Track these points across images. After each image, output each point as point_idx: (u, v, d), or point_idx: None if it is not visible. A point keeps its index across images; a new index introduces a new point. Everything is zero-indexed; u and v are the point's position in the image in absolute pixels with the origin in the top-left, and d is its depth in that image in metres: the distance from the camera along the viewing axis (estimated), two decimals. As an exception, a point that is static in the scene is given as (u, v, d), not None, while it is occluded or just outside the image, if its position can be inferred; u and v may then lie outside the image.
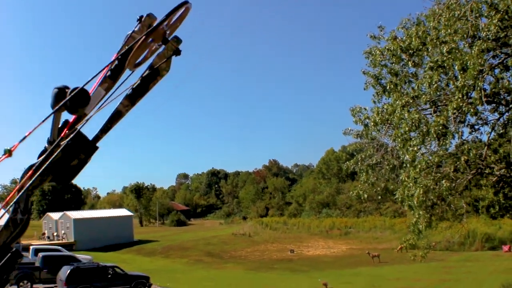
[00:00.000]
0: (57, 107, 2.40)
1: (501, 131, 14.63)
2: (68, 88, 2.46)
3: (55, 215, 71.24)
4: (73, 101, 2.36)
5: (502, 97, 13.93)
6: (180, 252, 58.95)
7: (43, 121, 2.36)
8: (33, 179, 2.26)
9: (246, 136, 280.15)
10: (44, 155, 2.39)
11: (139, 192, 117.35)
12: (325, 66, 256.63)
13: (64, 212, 70.56)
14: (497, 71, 12.97)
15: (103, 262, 31.64)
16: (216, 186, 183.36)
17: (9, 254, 1.81)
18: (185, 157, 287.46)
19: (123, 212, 77.16)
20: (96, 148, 2.60)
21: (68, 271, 26.32)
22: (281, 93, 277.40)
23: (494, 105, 14.19)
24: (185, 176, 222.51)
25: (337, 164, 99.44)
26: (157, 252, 59.83)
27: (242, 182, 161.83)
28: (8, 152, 1.98)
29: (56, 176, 2.39)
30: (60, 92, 2.42)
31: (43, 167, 2.25)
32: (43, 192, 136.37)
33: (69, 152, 2.41)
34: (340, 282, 33.77)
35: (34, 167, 2.32)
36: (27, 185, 2.25)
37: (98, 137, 2.65)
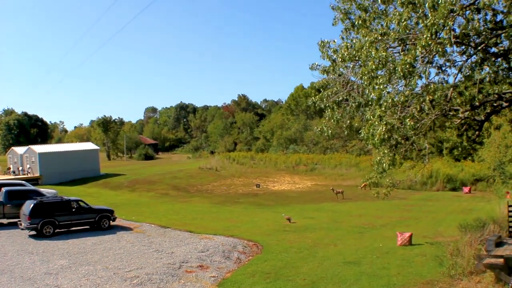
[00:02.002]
0: None
1: (468, 73, 14.57)
2: None
3: (20, 149, 70.13)
4: None
5: (471, 39, 13.79)
6: (147, 186, 59.05)
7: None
8: None
9: (214, 69, 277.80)
10: None
11: (106, 126, 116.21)
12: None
13: (29, 146, 69.48)
14: (468, 12, 12.75)
15: (67, 196, 31.42)
16: (185, 120, 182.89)
17: None
18: (154, 90, 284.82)
19: (89, 146, 76.35)
20: None
21: (32, 205, 26.06)
22: (252, 26, 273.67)
23: (463, 47, 14.06)
24: (154, 110, 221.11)
25: (306, 101, 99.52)
26: (123, 186, 59.79)
27: (211, 116, 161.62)
28: None
29: None
30: None
31: None
32: (8, 127, 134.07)
33: None
34: (304, 217, 34.35)
35: None
36: None
37: None
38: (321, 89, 15.73)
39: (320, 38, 14.65)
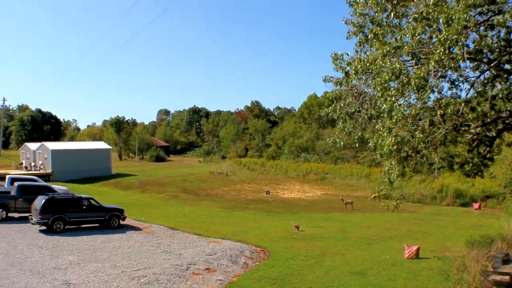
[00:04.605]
0: None
1: (480, 90, 14.68)
2: None
3: (33, 146, 70.66)
4: None
5: (484, 55, 13.91)
6: (157, 187, 59.32)
7: None
8: None
9: (229, 75, 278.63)
10: None
11: (119, 126, 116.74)
12: (311, 12, 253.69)
13: (42, 142, 70.00)
14: (482, 28, 12.89)
15: (78, 194, 31.74)
16: (197, 124, 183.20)
17: None
18: (167, 93, 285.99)
19: (102, 145, 76.88)
20: None
21: (43, 200, 26.40)
22: (267, 36, 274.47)
23: (476, 63, 14.18)
24: (166, 112, 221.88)
25: (319, 110, 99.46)
26: (134, 186, 60.12)
27: (223, 121, 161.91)
28: None
29: None
30: None
31: None
32: (22, 122, 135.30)
33: None
34: (312, 226, 34.43)
35: None
36: None
37: None
38: (334, 100, 15.90)
39: (333, 49, 14.84)
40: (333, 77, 15.43)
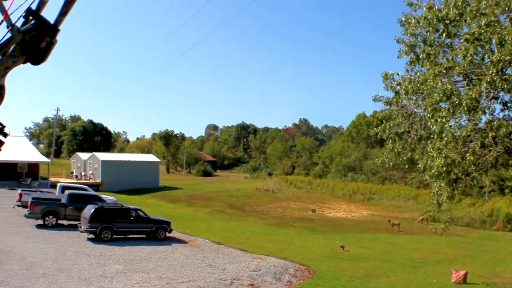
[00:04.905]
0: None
1: (534, 112, 14.32)
2: None
3: (84, 155, 72.55)
4: None
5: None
6: (204, 201, 59.87)
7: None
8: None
9: (277, 92, 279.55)
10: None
11: (168, 139, 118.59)
12: (362, 30, 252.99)
13: (93, 153, 71.86)
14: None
15: (127, 204, 32.39)
16: (245, 140, 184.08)
17: None
18: (216, 108, 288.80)
19: (150, 157, 78.25)
20: (58, 30, 2.86)
21: (93, 209, 27.07)
22: (316, 54, 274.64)
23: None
24: (215, 127, 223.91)
25: (367, 129, 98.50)
26: (181, 199, 60.85)
27: (271, 138, 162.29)
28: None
29: (30, 56, 2.76)
30: None
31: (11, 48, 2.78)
32: (74, 133, 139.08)
33: (36, 35, 2.76)
34: (358, 246, 34.06)
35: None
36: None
37: (58, 20, 2.89)
38: (383, 120, 15.81)
39: (383, 68, 14.84)
40: (383, 97, 15.38)
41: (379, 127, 15.47)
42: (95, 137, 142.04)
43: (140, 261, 22.57)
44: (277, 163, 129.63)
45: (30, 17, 2.81)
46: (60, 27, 2.87)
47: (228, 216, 49.07)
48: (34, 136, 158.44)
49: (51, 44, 2.85)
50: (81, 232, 27.55)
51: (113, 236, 27.41)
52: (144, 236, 29.04)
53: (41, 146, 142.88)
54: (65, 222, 31.46)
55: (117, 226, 27.57)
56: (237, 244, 29.79)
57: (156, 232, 29.04)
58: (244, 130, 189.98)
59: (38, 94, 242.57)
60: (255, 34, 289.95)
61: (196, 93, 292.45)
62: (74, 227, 29.63)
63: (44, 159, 65.30)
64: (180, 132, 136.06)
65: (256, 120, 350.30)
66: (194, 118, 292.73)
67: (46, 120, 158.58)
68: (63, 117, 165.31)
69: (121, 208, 28.71)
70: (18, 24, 2.79)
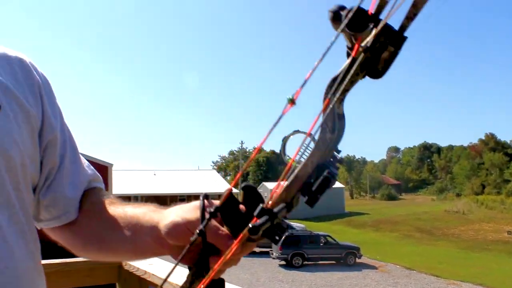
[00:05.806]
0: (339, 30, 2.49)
1: None
2: (343, 8, 2.54)
3: (270, 185, 75.53)
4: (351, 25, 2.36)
5: None
6: (390, 226, 58.94)
7: (325, 53, 2.58)
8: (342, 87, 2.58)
9: (458, 108, 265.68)
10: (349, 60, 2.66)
11: (350, 164, 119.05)
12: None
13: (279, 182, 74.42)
14: None
15: (315, 231, 33.24)
16: (428, 160, 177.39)
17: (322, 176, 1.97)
18: (396, 130, 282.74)
19: (335, 184, 79.00)
20: (405, 38, 2.64)
21: (284, 236, 28.27)
22: (500, 63, 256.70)
23: None
24: (396, 149, 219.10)
25: None
26: (367, 225, 60.55)
27: (456, 157, 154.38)
28: (291, 101, 2.13)
29: (370, 71, 2.67)
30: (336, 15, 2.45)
31: (351, 70, 2.47)
32: (258, 163, 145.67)
33: (379, 46, 2.64)
34: None
35: (337, 77, 2.57)
36: (335, 98, 2.69)
37: (404, 26, 2.72)
38: None
39: None
40: None
41: None
42: (278, 167, 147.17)
43: (331, 286, 23.11)
44: (465, 183, 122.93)
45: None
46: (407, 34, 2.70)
47: (417, 241, 47.77)
48: (221, 169, 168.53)
49: (395, 54, 2.67)
50: (273, 258, 28.89)
51: (304, 262, 28.33)
52: (334, 262, 29.56)
53: (228, 178, 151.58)
54: (257, 249, 33.09)
55: (307, 252, 28.48)
56: (429, 270, 29.05)
57: (346, 258, 29.42)
58: (427, 150, 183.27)
59: (224, 131, 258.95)
60: (436, 54, 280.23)
61: (376, 116, 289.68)
62: (266, 254, 31.08)
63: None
64: (361, 157, 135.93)
65: (439, 138, 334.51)
66: (374, 141, 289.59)
67: (231, 153, 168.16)
68: (247, 149, 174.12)
69: (310, 234, 29.67)
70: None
